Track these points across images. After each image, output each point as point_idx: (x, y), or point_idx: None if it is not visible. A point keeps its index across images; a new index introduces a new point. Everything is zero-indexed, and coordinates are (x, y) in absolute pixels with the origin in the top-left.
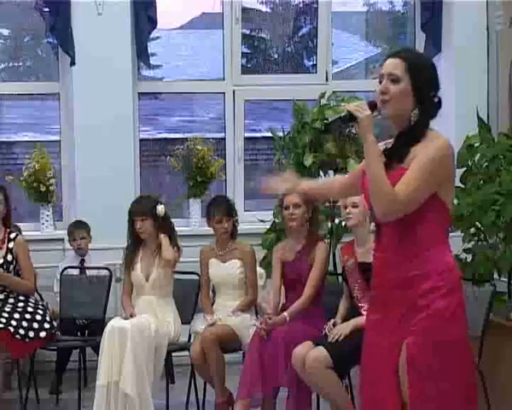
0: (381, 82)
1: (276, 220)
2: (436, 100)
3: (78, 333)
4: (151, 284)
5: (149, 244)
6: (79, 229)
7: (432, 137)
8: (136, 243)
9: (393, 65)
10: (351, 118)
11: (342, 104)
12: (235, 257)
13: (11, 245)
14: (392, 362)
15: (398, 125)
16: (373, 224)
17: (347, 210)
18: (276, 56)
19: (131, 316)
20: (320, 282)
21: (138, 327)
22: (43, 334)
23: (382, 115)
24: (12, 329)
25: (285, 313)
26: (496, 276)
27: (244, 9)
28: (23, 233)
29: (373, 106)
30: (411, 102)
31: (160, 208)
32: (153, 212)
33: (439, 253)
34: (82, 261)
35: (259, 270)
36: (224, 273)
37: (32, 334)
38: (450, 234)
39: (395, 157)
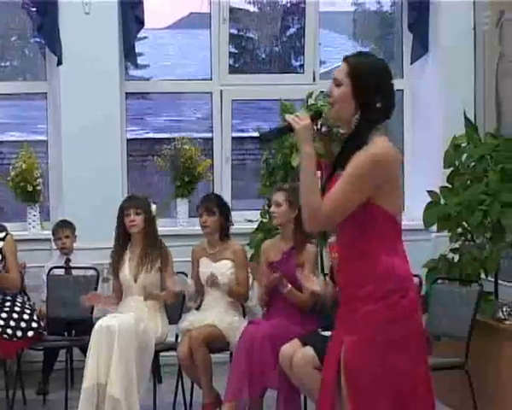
0: None
1: (264, 220)
2: (379, 106)
3: (65, 333)
4: (139, 285)
5: (137, 244)
6: (63, 228)
7: (371, 144)
8: (123, 242)
9: (339, 69)
10: (289, 129)
11: (286, 115)
12: (226, 257)
13: (1, 244)
14: (335, 361)
15: (345, 129)
16: None
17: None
18: (263, 56)
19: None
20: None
21: (126, 327)
22: (30, 333)
23: (327, 119)
24: None
25: (289, 285)
26: (483, 276)
27: (231, 9)
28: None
29: (317, 116)
30: (353, 106)
31: (154, 207)
32: (147, 208)
33: (384, 259)
34: (67, 261)
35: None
36: (215, 273)
37: (19, 333)
38: (438, 234)
39: (337, 164)
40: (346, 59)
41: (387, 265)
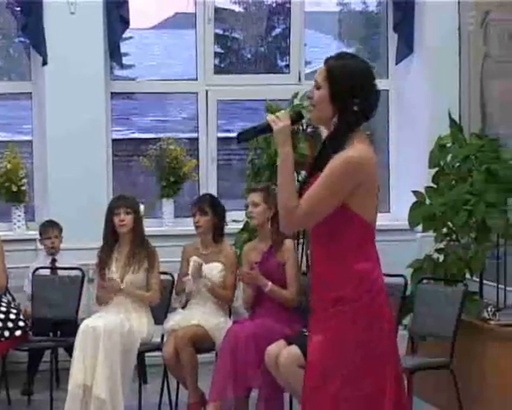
0: None
1: (249, 220)
2: (356, 109)
3: (51, 334)
4: (126, 286)
5: (124, 245)
6: (53, 228)
7: (349, 148)
8: (111, 242)
9: (319, 71)
10: (269, 128)
11: (268, 115)
12: (218, 260)
13: None
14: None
15: (327, 131)
16: None
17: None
18: (248, 56)
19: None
20: (299, 279)
21: (111, 328)
22: (18, 333)
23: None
24: None
25: (269, 283)
26: (468, 276)
27: (217, 9)
28: None
29: (298, 116)
30: (331, 109)
31: (142, 208)
32: (136, 208)
33: (355, 263)
34: (53, 261)
35: None
36: (204, 275)
37: (7, 333)
38: (423, 234)
39: (315, 166)
40: (326, 61)
41: (359, 270)
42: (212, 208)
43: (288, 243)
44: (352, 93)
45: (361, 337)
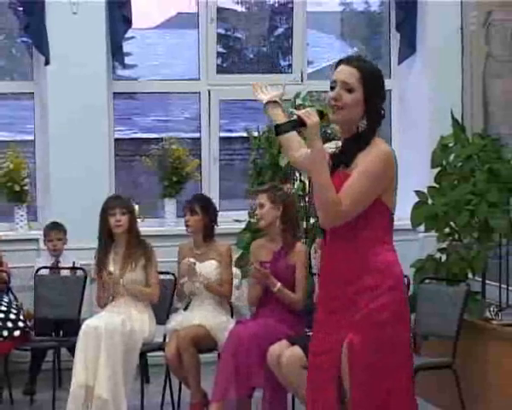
0: (332, 88)
1: (252, 220)
2: (382, 111)
3: (53, 333)
4: (125, 283)
5: (120, 244)
6: (56, 230)
7: (374, 145)
8: (107, 242)
9: (348, 73)
10: (300, 123)
11: (293, 111)
12: (212, 258)
13: None
14: (333, 361)
15: (345, 131)
16: None
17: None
18: (251, 56)
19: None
20: (307, 283)
21: (112, 328)
22: (17, 333)
23: (331, 121)
24: None
25: (279, 283)
26: (470, 276)
27: (219, 9)
28: None
29: (321, 114)
30: (361, 111)
31: (137, 208)
32: (131, 208)
33: (381, 252)
34: (56, 262)
35: (235, 270)
36: (199, 272)
37: (5, 333)
38: (425, 234)
39: (342, 162)
40: (352, 63)
41: (386, 260)
42: (203, 208)
43: (300, 245)
44: (382, 97)
45: (397, 336)
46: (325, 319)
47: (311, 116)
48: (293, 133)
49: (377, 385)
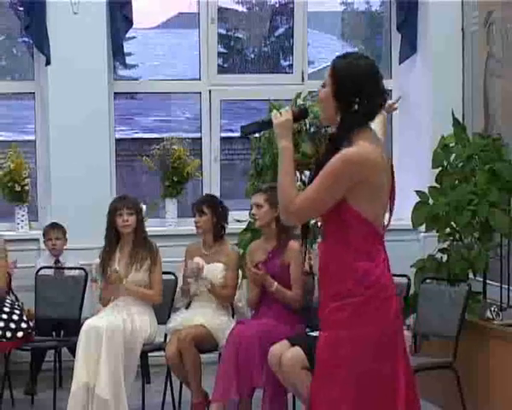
0: None
1: (252, 220)
2: (356, 109)
3: (54, 333)
4: (128, 283)
5: (127, 244)
6: (55, 229)
7: (349, 145)
8: (114, 242)
9: (327, 69)
10: (270, 123)
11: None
12: (220, 260)
13: None
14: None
15: (334, 129)
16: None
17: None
18: (252, 56)
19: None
20: (303, 280)
21: (113, 328)
22: (20, 334)
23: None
24: None
25: (275, 283)
26: (471, 276)
27: (220, 9)
28: None
29: (301, 113)
30: (334, 107)
31: (144, 208)
32: (138, 208)
33: (357, 258)
34: (56, 262)
35: None
36: (206, 274)
37: (9, 334)
38: (426, 234)
39: (320, 164)
40: (333, 59)
41: (360, 267)
42: (211, 208)
43: (293, 243)
44: (354, 93)
45: (360, 333)
46: (320, 317)
47: (280, 116)
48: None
49: (329, 381)
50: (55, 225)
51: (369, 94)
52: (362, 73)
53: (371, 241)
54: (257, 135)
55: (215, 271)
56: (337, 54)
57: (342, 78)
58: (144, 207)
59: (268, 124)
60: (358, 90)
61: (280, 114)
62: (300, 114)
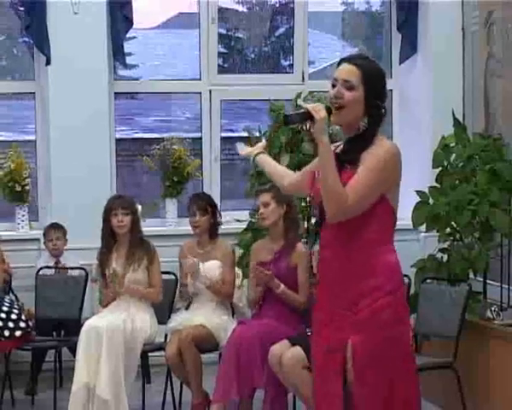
0: (334, 86)
1: (253, 220)
2: (384, 110)
3: (54, 333)
4: (127, 284)
5: (123, 245)
6: (55, 230)
7: (378, 143)
8: (110, 243)
9: (349, 72)
10: (308, 117)
11: (301, 104)
12: (215, 257)
13: None
14: (338, 360)
15: (347, 130)
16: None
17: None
18: (252, 56)
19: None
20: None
21: (113, 328)
22: (18, 333)
23: (332, 122)
24: None
25: (282, 285)
26: (471, 276)
27: (220, 9)
28: None
29: (328, 109)
30: (362, 110)
31: (140, 208)
32: (134, 208)
33: (384, 253)
34: (57, 263)
35: (236, 270)
36: (203, 273)
37: (7, 333)
38: (426, 234)
39: (345, 162)
40: (354, 62)
41: (388, 261)
42: (211, 207)
43: (300, 246)
44: (383, 95)
45: (397, 332)
46: (329, 318)
47: (319, 111)
48: (268, 159)
49: (381, 381)
50: (55, 226)
51: (386, 94)
52: (384, 74)
53: (392, 236)
54: (257, 134)
55: (212, 268)
56: (337, 54)
57: (374, 81)
58: (140, 207)
59: (307, 117)
60: (385, 92)
61: (317, 107)
62: (330, 110)
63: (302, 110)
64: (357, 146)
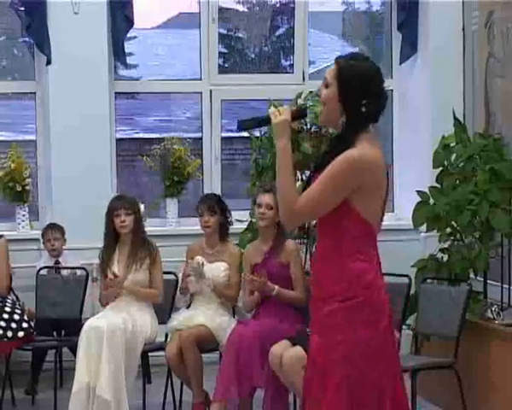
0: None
1: (253, 220)
2: (364, 110)
3: (54, 333)
4: (128, 284)
5: (125, 244)
6: (53, 230)
7: (355, 147)
8: (112, 242)
9: (329, 69)
10: (267, 121)
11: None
12: (223, 260)
13: None
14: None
15: (335, 130)
16: None
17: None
18: (252, 56)
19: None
20: (305, 278)
21: (114, 328)
22: (21, 334)
23: (320, 119)
24: None
25: (276, 286)
26: (472, 275)
27: (221, 9)
28: None
29: (300, 113)
30: (339, 109)
31: (142, 208)
32: (136, 208)
33: (353, 261)
34: (56, 263)
35: None
36: (209, 274)
37: (10, 334)
38: (427, 234)
39: (321, 164)
40: (337, 60)
41: (357, 269)
42: (220, 208)
43: (290, 243)
44: (361, 94)
45: (355, 336)
46: (312, 319)
47: (278, 114)
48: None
49: (317, 382)
50: (52, 226)
51: (375, 95)
52: (368, 73)
53: (367, 242)
54: (257, 134)
55: (217, 270)
56: (338, 53)
57: (349, 79)
58: (142, 206)
59: (267, 121)
60: (366, 92)
61: (278, 112)
62: (299, 114)
63: (261, 115)
64: (335, 149)
